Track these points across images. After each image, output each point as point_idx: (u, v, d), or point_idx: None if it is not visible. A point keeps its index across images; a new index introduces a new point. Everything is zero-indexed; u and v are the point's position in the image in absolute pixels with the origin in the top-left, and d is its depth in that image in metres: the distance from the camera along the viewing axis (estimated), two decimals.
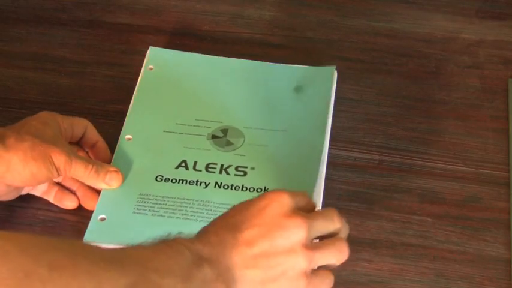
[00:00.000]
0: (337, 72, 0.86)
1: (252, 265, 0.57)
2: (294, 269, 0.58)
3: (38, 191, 0.75)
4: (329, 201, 0.75)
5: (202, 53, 0.89)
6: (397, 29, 0.94)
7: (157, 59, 0.88)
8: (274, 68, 0.87)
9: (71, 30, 0.95)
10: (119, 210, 0.74)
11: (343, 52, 0.91)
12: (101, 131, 0.82)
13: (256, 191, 0.75)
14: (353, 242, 0.73)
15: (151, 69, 0.87)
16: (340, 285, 0.70)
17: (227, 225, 0.59)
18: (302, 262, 0.58)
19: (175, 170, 0.77)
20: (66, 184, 0.76)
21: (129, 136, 0.80)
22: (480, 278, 0.71)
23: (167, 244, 0.56)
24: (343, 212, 0.75)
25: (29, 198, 0.76)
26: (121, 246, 0.56)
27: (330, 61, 0.88)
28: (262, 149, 0.79)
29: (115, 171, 0.74)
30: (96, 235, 0.71)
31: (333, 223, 0.61)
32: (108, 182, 0.74)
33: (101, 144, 0.78)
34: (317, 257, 0.59)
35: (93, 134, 0.78)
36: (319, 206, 0.74)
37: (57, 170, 0.70)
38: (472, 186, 0.78)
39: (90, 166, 0.72)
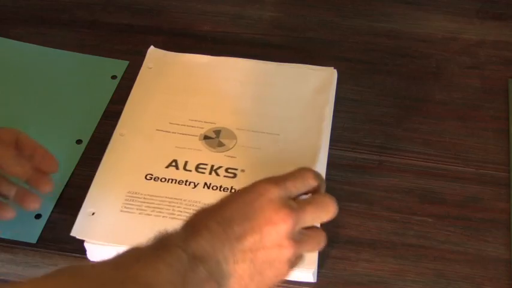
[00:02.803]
0: (338, 72, 0.86)
1: (241, 260, 0.58)
2: (280, 260, 0.60)
3: None
4: None
5: (202, 54, 0.89)
6: (398, 30, 0.94)
7: (157, 59, 0.88)
8: (273, 67, 0.87)
9: (71, 30, 0.95)
10: (106, 207, 0.74)
11: (344, 52, 0.91)
12: (100, 131, 0.82)
13: None
14: (353, 242, 0.73)
15: (150, 68, 0.87)
16: (341, 285, 0.71)
17: (217, 218, 0.59)
18: (288, 254, 0.60)
19: (166, 169, 0.77)
20: (2, 190, 0.73)
21: (122, 132, 0.81)
22: (480, 278, 0.71)
23: (164, 248, 0.56)
24: (344, 212, 0.75)
25: None
26: (119, 255, 0.56)
27: (331, 62, 0.88)
28: (253, 151, 0.79)
29: None
30: (83, 230, 0.72)
31: (325, 211, 0.63)
32: None
33: (41, 151, 0.73)
34: (302, 247, 0.61)
35: (26, 142, 0.73)
36: None
37: None
38: (473, 186, 0.78)
39: None
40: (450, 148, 0.81)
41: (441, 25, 0.94)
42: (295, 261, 0.61)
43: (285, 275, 0.61)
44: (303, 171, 0.64)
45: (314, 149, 0.78)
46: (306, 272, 0.70)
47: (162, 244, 0.57)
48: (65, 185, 0.77)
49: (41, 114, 0.84)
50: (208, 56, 0.88)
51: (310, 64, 0.87)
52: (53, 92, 0.86)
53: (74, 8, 0.98)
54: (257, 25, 0.95)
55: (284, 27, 0.95)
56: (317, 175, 0.64)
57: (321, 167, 0.77)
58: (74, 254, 0.72)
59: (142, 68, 0.87)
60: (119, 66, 0.89)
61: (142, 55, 0.89)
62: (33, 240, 0.73)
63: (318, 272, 0.70)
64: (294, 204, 0.61)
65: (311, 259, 0.70)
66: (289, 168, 0.77)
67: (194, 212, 0.61)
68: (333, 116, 0.83)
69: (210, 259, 0.57)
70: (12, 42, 0.92)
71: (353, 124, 0.83)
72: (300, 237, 0.61)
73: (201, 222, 0.59)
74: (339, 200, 0.76)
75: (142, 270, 0.54)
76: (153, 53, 0.89)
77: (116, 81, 0.88)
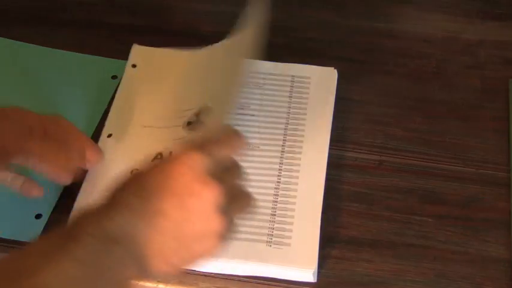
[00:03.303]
0: (338, 72, 0.86)
1: (164, 236, 0.54)
2: (208, 234, 0.56)
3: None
4: (330, 201, 0.75)
5: None
6: (398, 30, 0.94)
7: (141, 56, 0.88)
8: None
9: (71, 30, 0.95)
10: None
11: (344, 52, 0.91)
12: (101, 131, 0.82)
13: None
14: (354, 242, 0.73)
15: (134, 66, 0.87)
16: (341, 285, 0.71)
17: (137, 192, 0.55)
18: (216, 226, 0.56)
19: (151, 163, 0.76)
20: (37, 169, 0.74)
21: (109, 133, 0.81)
22: (481, 278, 0.71)
23: (73, 239, 0.52)
24: (344, 212, 0.75)
25: None
26: (24, 252, 0.53)
27: (331, 62, 0.88)
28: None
29: None
30: None
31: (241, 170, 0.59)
32: None
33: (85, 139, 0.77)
34: (230, 216, 0.57)
35: (69, 129, 0.75)
36: (319, 207, 0.74)
37: None
38: (473, 186, 0.78)
39: None
40: (450, 148, 0.81)
41: (441, 25, 0.94)
42: (226, 233, 0.57)
43: (215, 248, 0.57)
44: (228, 131, 0.60)
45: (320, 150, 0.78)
46: (306, 272, 0.70)
47: (71, 234, 0.53)
48: (66, 185, 0.77)
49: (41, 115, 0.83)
50: (192, 50, 0.88)
51: (310, 64, 0.87)
52: (53, 92, 0.86)
53: (74, 8, 0.98)
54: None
55: (285, 27, 0.94)
56: (238, 132, 0.60)
57: (322, 167, 0.77)
58: None
59: (126, 67, 0.87)
60: (119, 66, 0.89)
61: None
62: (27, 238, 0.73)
63: (318, 272, 0.70)
64: (219, 171, 0.57)
65: (311, 259, 0.70)
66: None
67: (116, 184, 0.57)
68: (333, 116, 0.82)
69: (126, 237, 0.53)
70: (12, 42, 0.92)
71: (353, 124, 0.83)
72: (227, 206, 0.56)
73: (119, 196, 0.55)
74: (340, 200, 0.77)
75: (42, 275, 0.50)
76: (137, 50, 0.89)
77: (116, 81, 0.88)
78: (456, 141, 0.82)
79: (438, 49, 0.91)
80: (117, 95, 0.85)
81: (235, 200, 0.58)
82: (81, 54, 0.91)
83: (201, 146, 0.57)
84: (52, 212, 0.75)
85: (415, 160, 0.80)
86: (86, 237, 0.52)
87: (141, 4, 0.98)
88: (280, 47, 0.92)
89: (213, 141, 0.58)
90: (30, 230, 0.74)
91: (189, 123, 0.80)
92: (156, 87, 0.85)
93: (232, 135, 0.60)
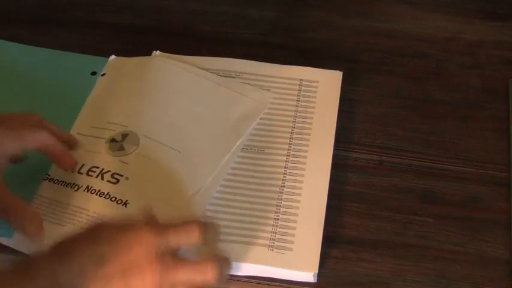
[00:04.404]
0: None
1: None
2: None
3: None
4: (330, 201, 0.75)
5: (202, 54, 0.89)
6: (398, 30, 0.94)
7: (113, 66, 0.87)
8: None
9: (71, 30, 0.95)
10: None
11: (344, 52, 0.91)
12: None
13: (117, 202, 0.73)
14: (354, 242, 0.73)
15: (103, 75, 0.87)
16: (341, 285, 0.71)
17: (93, 254, 0.59)
18: None
19: (64, 171, 0.76)
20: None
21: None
22: (481, 278, 0.71)
23: (25, 276, 0.58)
24: (344, 212, 0.75)
25: None
26: None
27: (331, 62, 0.88)
28: (148, 162, 0.77)
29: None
30: None
31: (201, 275, 0.62)
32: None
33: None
34: None
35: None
36: (322, 211, 0.74)
37: None
38: (473, 186, 0.78)
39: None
40: (450, 148, 0.81)
41: (442, 25, 0.94)
42: None
43: None
44: (189, 224, 0.63)
45: (324, 155, 0.78)
46: (307, 275, 0.70)
47: (25, 273, 0.58)
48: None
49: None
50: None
51: (311, 64, 0.87)
52: (49, 93, 0.86)
53: (74, 8, 0.98)
54: (257, 25, 0.95)
55: (285, 27, 0.95)
56: (204, 230, 0.63)
57: (326, 172, 0.77)
58: None
59: (98, 77, 0.86)
60: (100, 62, 0.88)
61: (142, 55, 0.89)
62: (10, 236, 0.72)
63: (318, 272, 0.70)
64: (170, 259, 0.61)
65: (312, 263, 0.70)
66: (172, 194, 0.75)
67: (69, 236, 0.61)
68: None
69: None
70: (2, 42, 0.92)
71: (353, 124, 0.83)
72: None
73: (78, 249, 0.60)
74: (340, 200, 0.77)
75: None
76: (112, 61, 0.88)
77: (96, 77, 0.87)
78: (456, 141, 0.82)
79: (438, 49, 0.91)
80: (84, 105, 0.84)
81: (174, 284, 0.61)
82: (63, 52, 0.90)
83: (162, 228, 0.62)
84: None
85: (415, 160, 0.80)
86: (38, 279, 0.58)
87: (141, 4, 0.98)
88: (280, 47, 0.92)
89: (173, 227, 0.62)
90: (6, 226, 0.72)
91: (112, 140, 0.78)
92: (109, 97, 0.84)
93: (193, 229, 0.63)
